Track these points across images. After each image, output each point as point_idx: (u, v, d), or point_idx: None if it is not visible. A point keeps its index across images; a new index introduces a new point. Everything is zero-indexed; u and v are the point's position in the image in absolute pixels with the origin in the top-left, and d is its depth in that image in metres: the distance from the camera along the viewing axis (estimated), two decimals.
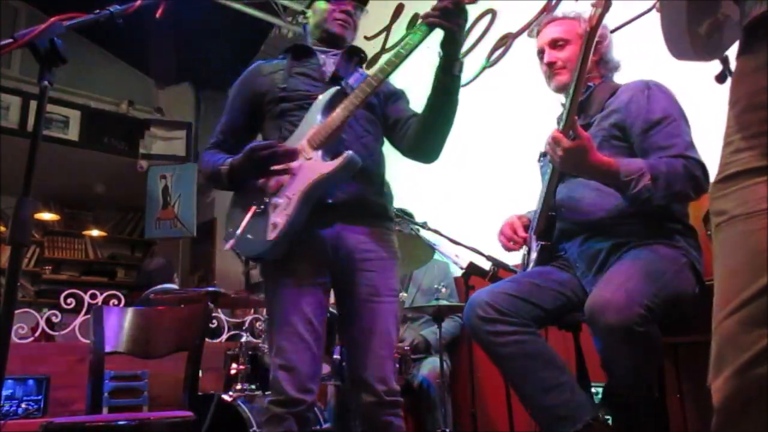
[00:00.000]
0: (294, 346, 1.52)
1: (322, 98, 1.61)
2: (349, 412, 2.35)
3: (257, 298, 3.12)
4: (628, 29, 2.49)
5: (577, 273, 1.72)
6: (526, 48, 2.62)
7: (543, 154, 1.94)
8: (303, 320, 1.54)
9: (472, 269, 2.31)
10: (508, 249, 1.91)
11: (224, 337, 3.61)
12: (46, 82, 1.13)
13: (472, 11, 1.52)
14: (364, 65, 1.82)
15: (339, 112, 1.54)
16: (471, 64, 1.65)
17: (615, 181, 1.52)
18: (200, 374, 2.17)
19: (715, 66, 1.18)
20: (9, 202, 5.63)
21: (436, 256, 2.70)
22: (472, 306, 1.62)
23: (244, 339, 2.57)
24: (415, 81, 1.75)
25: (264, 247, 1.53)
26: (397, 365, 2.23)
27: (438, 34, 1.51)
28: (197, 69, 5.49)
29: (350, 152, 1.52)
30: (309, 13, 1.81)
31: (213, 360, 2.86)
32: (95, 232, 6.53)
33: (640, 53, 2.02)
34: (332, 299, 1.69)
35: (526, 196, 2.04)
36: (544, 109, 2.07)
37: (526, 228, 1.89)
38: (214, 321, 3.46)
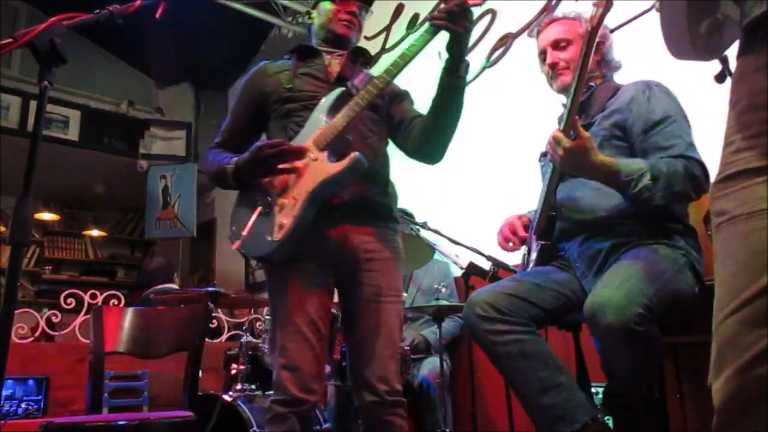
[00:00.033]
0: (298, 346, 1.53)
1: (328, 99, 1.61)
2: (349, 412, 2.35)
3: (257, 298, 3.13)
4: (627, 29, 2.49)
5: (576, 273, 1.72)
6: (526, 48, 2.62)
7: (544, 154, 1.94)
8: (307, 320, 1.54)
9: (472, 269, 2.31)
10: (506, 249, 1.91)
11: (224, 337, 3.62)
12: (46, 82, 1.13)
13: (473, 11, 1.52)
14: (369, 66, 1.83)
15: (345, 113, 1.54)
16: (471, 64, 1.66)
17: (615, 180, 1.52)
18: (200, 374, 2.18)
19: (715, 66, 1.18)
20: (9, 202, 5.64)
21: (436, 256, 2.70)
22: (472, 305, 1.62)
23: (244, 339, 2.57)
24: (418, 81, 1.75)
25: (270, 248, 1.53)
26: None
27: (441, 36, 1.51)
28: (197, 69, 5.50)
29: (357, 153, 1.52)
30: (314, 13, 1.81)
31: (213, 360, 2.86)
32: (95, 232, 6.53)
33: (640, 53, 2.02)
34: (333, 299, 1.69)
35: (526, 196, 2.04)
36: (545, 109, 2.07)
37: (526, 228, 1.88)
38: (214, 321, 3.46)
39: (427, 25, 1.50)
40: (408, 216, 2.54)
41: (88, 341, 2.29)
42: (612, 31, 1.98)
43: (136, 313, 2.29)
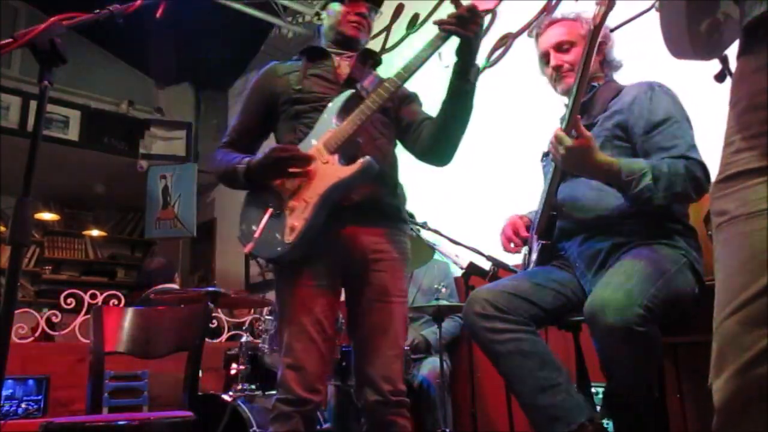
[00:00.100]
0: (303, 346, 1.53)
1: (337, 101, 1.61)
2: (349, 412, 2.35)
3: (257, 298, 3.13)
4: (627, 29, 2.49)
5: (576, 273, 1.72)
6: (526, 48, 2.62)
7: (546, 154, 1.94)
8: (313, 321, 1.55)
9: (472, 269, 2.31)
10: (508, 250, 1.91)
11: (224, 337, 3.62)
12: (46, 82, 1.13)
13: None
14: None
15: (355, 117, 1.54)
16: None
17: (616, 180, 1.52)
18: (200, 374, 2.17)
19: (715, 66, 1.18)
20: (9, 202, 5.64)
21: (436, 256, 2.70)
22: (471, 303, 1.62)
23: (244, 339, 2.57)
24: (423, 83, 1.76)
25: (282, 250, 1.53)
26: None
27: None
28: (197, 69, 5.49)
29: (368, 158, 1.52)
30: (323, 14, 1.81)
31: (213, 360, 2.86)
32: (95, 232, 6.53)
33: (640, 53, 2.02)
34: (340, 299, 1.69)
35: (527, 196, 2.04)
36: (545, 109, 2.07)
37: (527, 228, 1.88)
38: (214, 321, 3.46)
39: (437, 29, 1.51)
40: (408, 216, 2.54)
41: (88, 341, 2.29)
42: (612, 30, 1.98)
43: (136, 313, 2.29)
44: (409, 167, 1.82)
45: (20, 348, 2.88)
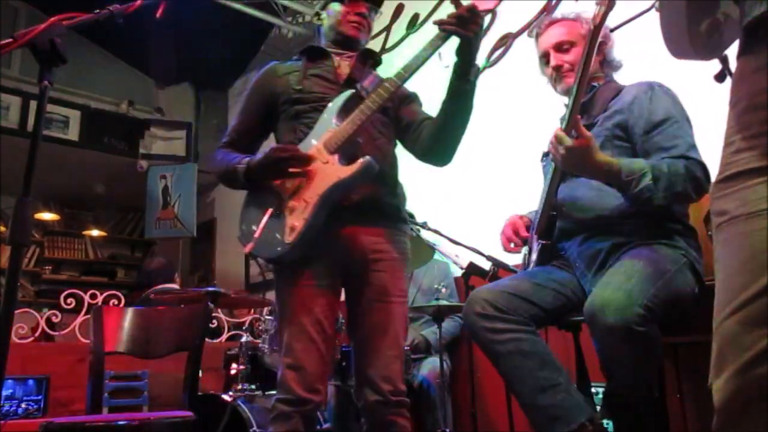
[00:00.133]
0: (303, 346, 1.53)
1: (337, 101, 1.61)
2: (349, 412, 2.35)
3: (257, 298, 3.13)
4: (627, 29, 2.49)
5: (576, 272, 1.72)
6: (526, 48, 2.62)
7: (546, 154, 1.94)
8: (313, 321, 1.55)
9: (472, 269, 2.31)
10: (508, 250, 1.91)
11: (224, 337, 3.62)
12: (46, 82, 1.13)
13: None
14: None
15: (355, 117, 1.54)
16: None
17: (616, 180, 1.52)
18: (200, 374, 2.17)
19: (715, 65, 1.18)
20: (9, 202, 5.64)
21: (436, 256, 2.70)
22: (471, 302, 1.62)
23: (244, 339, 2.57)
24: (423, 83, 1.76)
25: (282, 250, 1.53)
26: None
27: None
28: (197, 69, 5.49)
29: (368, 158, 1.52)
30: (323, 14, 1.81)
31: (213, 360, 2.86)
32: (95, 232, 6.53)
33: (640, 53, 2.02)
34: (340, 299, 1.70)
35: (527, 196, 2.04)
36: (545, 110, 2.07)
37: (527, 228, 1.88)
38: (214, 321, 3.46)
39: (437, 29, 1.51)
40: (408, 216, 2.54)
41: (88, 341, 2.29)
42: (612, 30, 1.98)
43: (136, 313, 2.29)
44: (409, 167, 1.82)
45: (20, 348, 2.88)
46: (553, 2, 2.87)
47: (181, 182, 5.15)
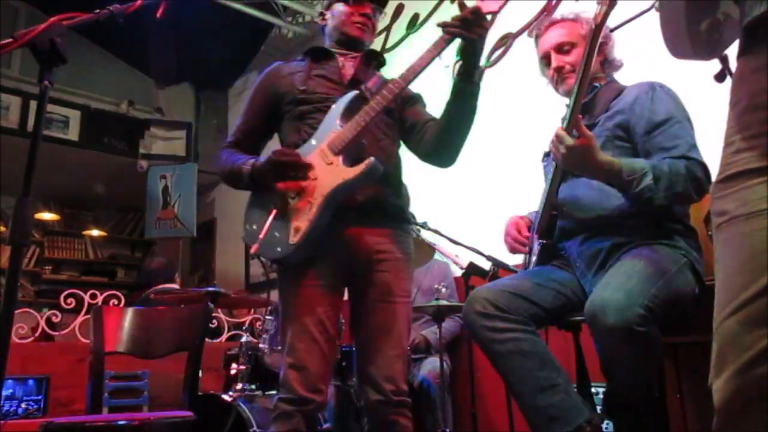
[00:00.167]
0: (305, 346, 1.54)
1: (341, 102, 1.61)
2: (349, 412, 2.35)
3: (257, 298, 3.13)
4: (627, 29, 2.49)
5: (576, 272, 1.72)
6: (526, 48, 2.62)
7: (547, 154, 1.93)
8: (316, 321, 1.55)
9: (472, 269, 2.31)
10: (514, 251, 1.90)
11: (224, 337, 3.62)
12: (46, 82, 1.13)
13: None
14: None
15: (360, 118, 1.54)
16: None
17: (617, 180, 1.52)
18: (200, 374, 2.17)
19: (715, 65, 1.18)
20: (9, 202, 5.63)
21: (436, 256, 2.70)
22: (471, 302, 1.62)
23: (244, 339, 2.57)
24: (425, 84, 1.76)
25: (287, 251, 1.54)
26: None
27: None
28: (197, 69, 5.49)
29: (372, 159, 1.52)
30: (327, 15, 1.81)
31: (213, 360, 2.86)
32: (95, 232, 6.53)
33: (640, 53, 2.02)
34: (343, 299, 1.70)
35: (527, 196, 2.04)
36: (545, 109, 2.07)
37: (528, 228, 1.88)
38: (214, 321, 3.47)
39: (438, 30, 1.51)
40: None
41: (88, 341, 2.29)
42: (612, 30, 1.98)
43: (136, 313, 2.29)
44: (409, 167, 1.82)
45: (20, 348, 2.88)
46: (554, 2, 2.87)
47: (181, 182, 5.15)
